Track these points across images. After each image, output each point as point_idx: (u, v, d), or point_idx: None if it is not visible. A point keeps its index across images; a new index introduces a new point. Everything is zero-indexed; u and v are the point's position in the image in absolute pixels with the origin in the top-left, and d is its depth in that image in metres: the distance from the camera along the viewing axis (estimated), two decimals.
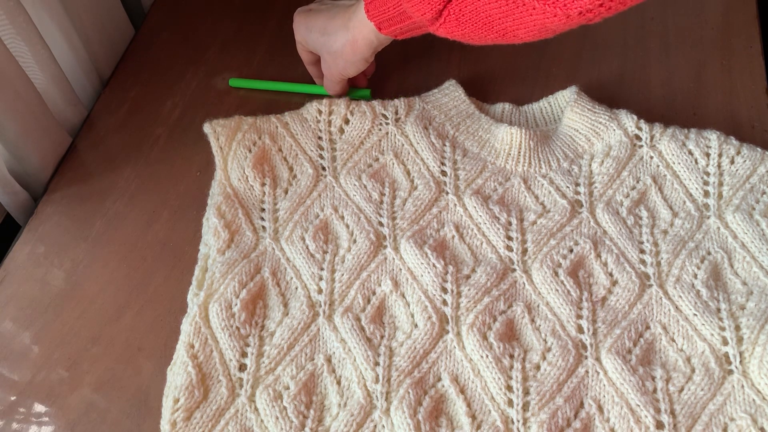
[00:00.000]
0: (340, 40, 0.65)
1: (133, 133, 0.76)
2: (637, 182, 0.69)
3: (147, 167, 0.73)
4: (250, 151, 0.68)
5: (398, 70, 0.82)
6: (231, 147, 0.68)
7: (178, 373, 0.56)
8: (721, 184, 0.68)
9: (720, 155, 0.70)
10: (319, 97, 0.74)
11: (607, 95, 0.79)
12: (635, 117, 0.72)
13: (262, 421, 0.55)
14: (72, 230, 0.68)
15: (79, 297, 0.64)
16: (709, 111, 0.77)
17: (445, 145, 0.71)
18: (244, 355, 0.58)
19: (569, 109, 0.72)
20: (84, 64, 0.78)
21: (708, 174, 0.69)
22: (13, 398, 0.58)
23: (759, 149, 0.70)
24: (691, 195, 0.68)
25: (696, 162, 0.70)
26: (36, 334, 0.62)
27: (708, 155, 0.70)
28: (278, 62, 0.83)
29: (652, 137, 0.71)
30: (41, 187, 0.72)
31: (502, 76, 0.81)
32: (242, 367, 0.57)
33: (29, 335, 0.62)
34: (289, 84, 0.77)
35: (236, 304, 0.59)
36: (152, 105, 0.78)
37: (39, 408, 0.58)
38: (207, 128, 0.69)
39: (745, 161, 0.69)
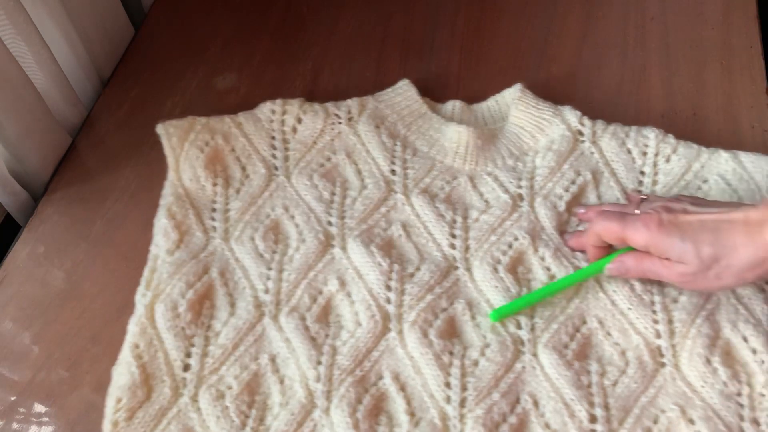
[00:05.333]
0: (743, 257, 0.53)
1: (133, 133, 0.76)
2: (578, 176, 0.69)
3: (147, 167, 0.72)
4: (202, 151, 0.68)
5: (398, 70, 0.82)
6: (183, 147, 0.67)
7: (122, 373, 0.56)
8: (655, 183, 0.68)
9: (656, 154, 0.70)
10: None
11: (607, 95, 0.79)
12: (579, 113, 0.72)
13: (203, 420, 0.55)
14: (72, 230, 0.68)
15: (79, 297, 0.64)
16: (709, 111, 0.77)
17: (396, 144, 0.71)
18: (188, 355, 0.58)
19: (514, 107, 0.73)
20: (84, 64, 0.78)
21: (643, 173, 0.69)
22: (13, 398, 0.58)
23: (695, 146, 0.70)
24: (626, 193, 0.68)
25: (633, 161, 0.70)
26: (36, 334, 0.62)
27: (645, 154, 0.70)
28: (278, 62, 0.83)
29: (594, 133, 0.71)
30: (41, 187, 0.72)
31: (502, 76, 0.81)
32: (187, 367, 0.57)
33: (29, 335, 0.62)
34: (558, 282, 0.62)
35: (182, 305, 0.59)
36: (152, 105, 0.78)
37: (39, 408, 0.58)
38: (160, 129, 0.68)
39: (680, 159, 0.69)
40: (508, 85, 0.80)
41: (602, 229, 0.59)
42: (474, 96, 0.76)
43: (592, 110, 0.77)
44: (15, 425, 0.57)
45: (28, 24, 0.68)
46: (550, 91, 0.79)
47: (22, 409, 0.58)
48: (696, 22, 0.86)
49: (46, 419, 0.57)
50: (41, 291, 0.64)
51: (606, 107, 0.78)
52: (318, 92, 0.80)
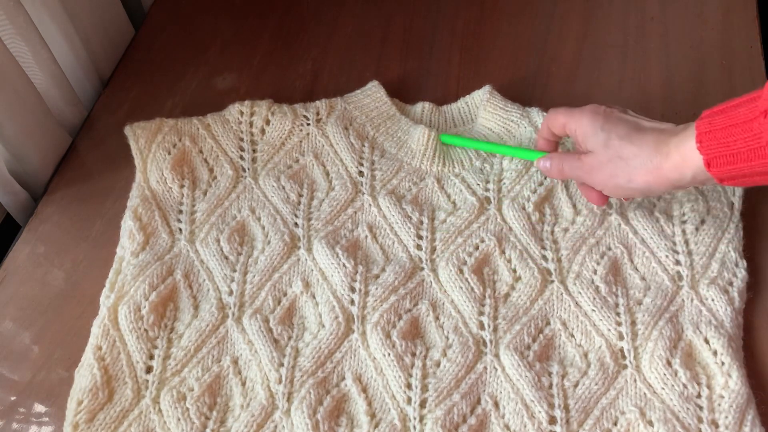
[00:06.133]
0: (641, 158, 0.54)
1: None
2: (545, 178, 0.68)
3: None
4: (169, 153, 0.68)
5: (398, 70, 0.82)
6: (150, 149, 0.68)
7: (84, 375, 0.56)
8: None
9: None
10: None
11: (606, 95, 0.79)
12: (545, 115, 0.71)
13: (164, 422, 0.55)
14: (72, 230, 0.68)
15: (79, 297, 0.64)
16: None
17: (364, 145, 0.71)
18: (151, 357, 0.58)
19: (482, 109, 0.72)
20: (84, 64, 0.78)
21: None
22: (13, 398, 0.59)
23: None
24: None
25: None
26: (36, 334, 0.62)
27: None
28: (278, 62, 0.83)
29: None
30: (41, 187, 0.72)
31: (502, 76, 0.81)
32: (149, 369, 0.58)
33: (29, 335, 0.62)
34: (501, 146, 0.69)
35: (145, 307, 0.59)
36: (152, 105, 0.78)
37: (39, 408, 0.58)
38: (128, 131, 0.69)
39: None
40: (508, 84, 0.80)
41: (551, 117, 0.62)
42: None
43: None
44: (15, 425, 0.57)
45: (28, 24, 0.69)
46: (550, 91, 0.79)
47: (22, 409, 0.58)
48: (696, 22, 0.86)
49: (46, 419, 0.57)
50: (41, 291, 0.64)
51: None
52: (318, 92, 0.80)
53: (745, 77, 0.79)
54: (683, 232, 0.63)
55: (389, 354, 0.58)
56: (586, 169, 0.58)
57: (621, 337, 0.59)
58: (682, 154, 0.52)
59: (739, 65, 0.80)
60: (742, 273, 0.62)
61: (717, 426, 0.55)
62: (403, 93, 0.78)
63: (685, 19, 0.85)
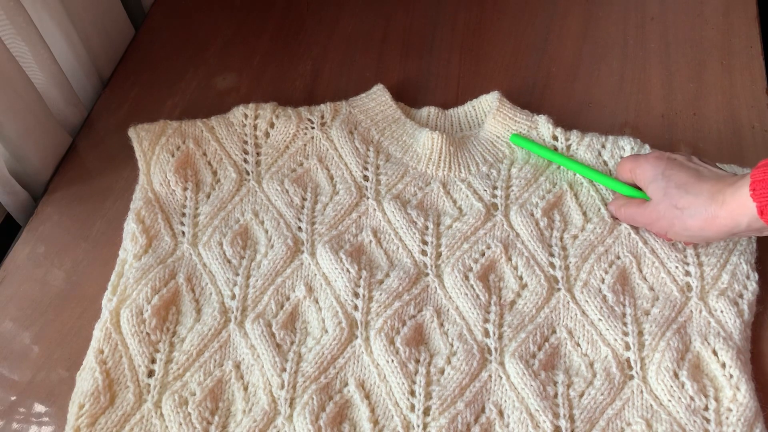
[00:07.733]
0: (696, 206, 0.56)
1: None
2: (554, 186, 0.67)
3: None
4: (173, 155, 0.67)
5: (398, 70, 0.81)
6: (154, 151, 0.67)
7: (86, 379, 0.56)
8: None
9: None
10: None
11: (606, 95, 0.79)
12: (551, 126, 0.70)
13: (166, 427, 0.55)
14: (72, 230, 0.68)
15: (79, 297, 0.63)
16: (709, 111, 0.76)
17: (369, 149, 0.70)
18: (153, 361, 0.57)
19: (491, 117, 0.71)
20: (84, 64, 0.78)
21: None
22: (13, 398, 0.58)
23: None
24: (606, 202, 0.66)
25: (610, 174, 0.68)
26: (36, 334, 0.62)
27: None
28: (278, 62, 0.83)
29: (568, 147, 0.70)
30: (41, 187, 0.72)
31: (502, 76, 0.81)
32: (151, 373, 0.57)
33: (29, 335, 0.62)
34: (579, 165, 0.68)
35: (147, 310, 0.58)
36: (152, 105, 0.78)
37: (39, 408, 0.58)
38: (131, 133, 0.68)
39: None
40: (508, 84, 0.80)
41: (619, 165, 0.64)
42: (474, 96, 0.75)
43: (592, 110, 0.77)
44: (15, 425, 0.57)
45: (28, 24, 0.68)
46: (550, 91, 0.79)
47: (22, 409, 0.58)
48: (696, 22, 0.85)
49: (46, 419, 0.57)
50: (41, 291, 0.64)
51: (606, 107, 0.77)
52: (318, 92, 0.79)
53: (745, 77, 0.78)
54: (694, 246, 0.63)
55: (393, 360, 0.57)
56: (646, 219, 0.61)
57: (628, 347, 0.58)
58: (738, 202, 0.53)
59: (739, 65, 0.80)
60: (753, 286, 0.61)
61: None
62: (403, 93, 0.77)
63: (685, 19, 0.85)
